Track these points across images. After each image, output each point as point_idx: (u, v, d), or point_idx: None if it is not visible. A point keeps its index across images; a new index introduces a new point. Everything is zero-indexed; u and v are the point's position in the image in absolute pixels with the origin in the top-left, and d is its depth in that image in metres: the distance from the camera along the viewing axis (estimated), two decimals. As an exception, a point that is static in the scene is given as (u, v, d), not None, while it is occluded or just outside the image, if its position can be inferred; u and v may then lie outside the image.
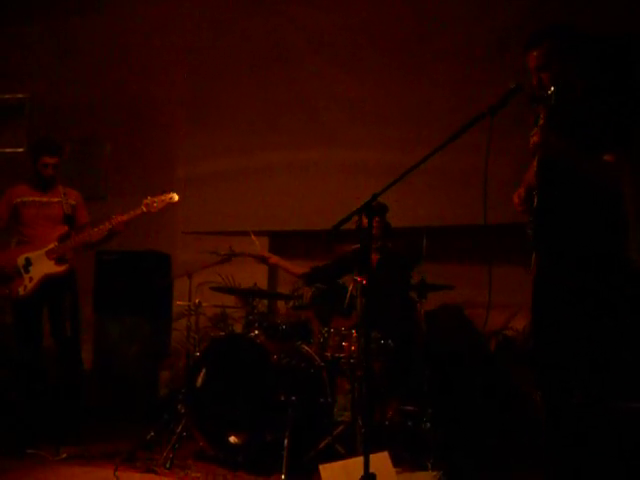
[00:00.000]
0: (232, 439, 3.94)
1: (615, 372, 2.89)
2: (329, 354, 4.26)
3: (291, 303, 5.46)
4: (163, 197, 4.42)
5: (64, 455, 4.08)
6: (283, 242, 6.42)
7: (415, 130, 5.44)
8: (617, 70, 4.65)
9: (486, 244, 3.27)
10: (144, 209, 4.40)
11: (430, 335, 4.38)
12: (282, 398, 3.86)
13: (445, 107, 5.34)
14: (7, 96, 7.07)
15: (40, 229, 4.50)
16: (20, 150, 6.94)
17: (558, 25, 3.08)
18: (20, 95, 7.07)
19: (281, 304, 6.16)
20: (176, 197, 4.46)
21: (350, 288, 4.36)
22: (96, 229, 4.44)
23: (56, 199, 4.59)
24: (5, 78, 7.01)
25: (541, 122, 2.91)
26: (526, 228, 3.08)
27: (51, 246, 4.44)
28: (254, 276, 5.68)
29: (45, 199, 4.57)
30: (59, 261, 4.45)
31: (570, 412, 2.90)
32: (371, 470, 2.76)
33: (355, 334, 4.14)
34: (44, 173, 4.55)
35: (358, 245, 4.52)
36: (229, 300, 5.73)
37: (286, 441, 3.74)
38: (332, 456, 3.67)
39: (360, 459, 2.82)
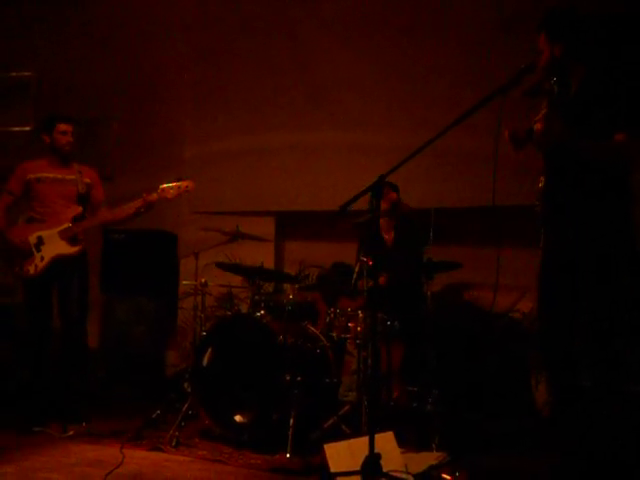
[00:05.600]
0: (238, 418, 3.96)
1: (623, 354, 2.88)
2: (335, 335, 4.27)
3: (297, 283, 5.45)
4: (179, 185, 4.30)
5: (71, 433, 4.10)
6: (290, 222, 6.41)
7: (423, 111, 5.40)
8: (625, 49, 4.60)
9: (494, 226, 3.24)
10: (157, 196, 4.28)
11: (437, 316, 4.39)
12: (288, 378, 3.88)
13: (454, 88, 5.29)
14: (13, 74, 7.04)
15: (54, 207, 4.43)
16: (26, 129, 6.91)
17: (557, 10, 3.07)
18: (26, 73, 7.03)
19: (287, 284, 6.16)
20: (192, 185, 4.33)
21: (356, 269, 4.36)
22: (124, 207, 4.36)
23: (71, 177, 4.51)
24: (11, 56, 6.97)
25: (544, 110, 2.89)
26: (535, 206, 3.07)
27: (65, 226, 4.38)
28: (261, 256, 5.68)
29: (60, 176, 4.49)
30: (72, 241, 4.40)
31: (578, 394, 2.90)
32: (376, 450, 2.77)
33: (361, 315, 4.15)
34: (63, 142, 4.47)
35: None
36: (235, 280, 5.74)
37: (292, 420, 3.77)
38: (337, 436, 3.70)
39: (365, 439, 2.83)
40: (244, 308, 5.66)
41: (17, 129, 6.97)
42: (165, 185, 4.32)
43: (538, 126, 2.89)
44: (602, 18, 4.62)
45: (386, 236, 4.85)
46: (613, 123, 2.84)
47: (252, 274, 4.72)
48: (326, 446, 3.28)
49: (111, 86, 6.69)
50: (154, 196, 4.31)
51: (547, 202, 3.01)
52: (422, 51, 5.65)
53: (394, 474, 3.01)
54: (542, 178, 3.02)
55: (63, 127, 4.48)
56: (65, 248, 4.38)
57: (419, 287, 4.64)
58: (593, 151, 2.88)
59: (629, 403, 3.01)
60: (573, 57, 2.98)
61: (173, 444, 3.86)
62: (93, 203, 4.61)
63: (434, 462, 3.44)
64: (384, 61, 5.79)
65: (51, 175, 4.49)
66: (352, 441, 3.31)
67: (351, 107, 5.87)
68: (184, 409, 4.10)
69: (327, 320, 4.34)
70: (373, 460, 2.77)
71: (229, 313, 5.47)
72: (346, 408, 4.08)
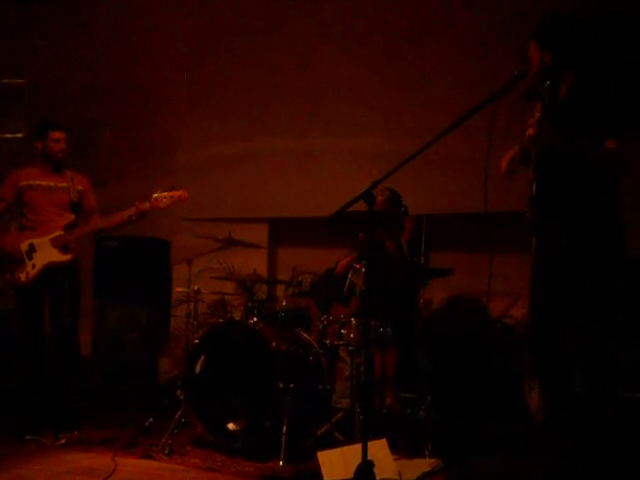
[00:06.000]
0: (231, 425, 3.94)
1: (617, 357, 2.89)
2: (328, 341, 4.26)
3: (290, 290, 5.45)
4: (172, 194, 4.29)
5: (63, 441, 4.08)
6: (283, 229, 6.41)
7: (418, 117, 5.42)
8: (618, 53, 4.63)
9: (486, 232, 3.26)
10: (149, 205, 4.27)
11: (432, 322, 4.39)
12: (281, 385, 3.86)
13: (452, 94, 5.31)
14: (6, 81, 7.03)
15: (46, 214, 4.42)
16: (19, 135, 6.90)
17: (547, 18, 3.09)
18: (19, 80, 7.03)
19: (280, 291, 6.16)
20: (185, 195, 4.31)
21: (349, 275, 4.35)
22: (116, 214, 4.36)
23: (63, 184, 4.50)
24: (4, 63, 6.96)
25: (537, 115, 2.90)
26: (525, 213, 3.07)
27: (56, 234, 4.36)
28: (254, 263, 5.68)
29: (52, 184, 4.48)
30: (63, 249, 4.38)
31: (570, 399, 2.91)
32: (369, 457, 2.76)
33: (354, 322, 4.14)
34: (56, 149, 4.45)
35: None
36: (228, 287, 5.74)
37: (284, 428, 3.75)
38: (330, 443, 3.69)
39: (358, 446, 2.83)
40: (237, 315, 5.66)
41: (9, 136, 6.95)
42: (158, 194, 4.30)
43: (530, 131, 2.90)
44: (598, 20, 4.65)
45: (388, 244, 4.82)
46: (602, 129, 2.86)
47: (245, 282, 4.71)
48: (319, 453, 3.27)
49: (104, 92, 6.69)
50: (147, 205, 4.30)
51: (538, 207, 3.01)
52: (421, 56, 5.67)
53: (387, 481, 3.01)
54: (533, 184, 3.03)
55: (56, 135, 4.47)
56: (57, 256, 4.37)
57: (413, 293, 4.63)
58: (584, 156, 2.89)
59: (623, 406, 3.01)
60: (563, 63, 3.00)
61: (166, 452, 3.84)
62: (85, 210, 4.60)
63: (427, 469, 3.43)
64: (382, 66, 5.81)
65: (43, 183, 4.48)
66: (345, 448, 3.31)
67: (347, 113, 5.88)
68: (177, 417, 4.08)
69: (320, 327, 4.33)
70: (366, 467, 2.76)
71: (222, 320, 5.46)
72: (339, 415, 4.07)
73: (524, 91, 3.02)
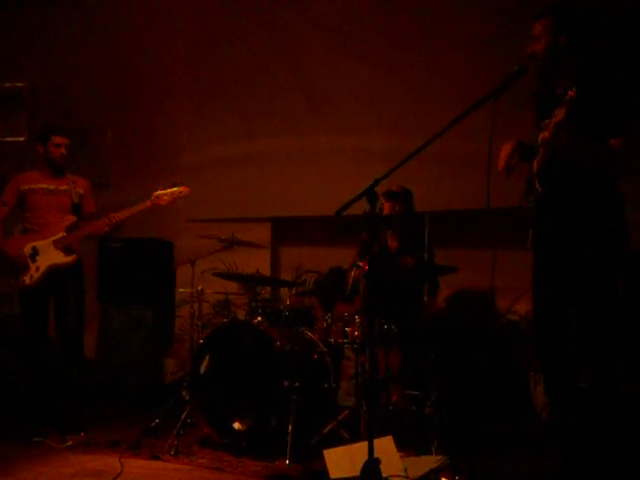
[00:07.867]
0: (236, 425, 3.95)
1: (619, 354, 2.89)
2: (332, 340, 4.26)
3: (294, 289, 5.44)
4: (173, 190, 4.35)
5: (70, 443, 4.09)
6: (286, 229, 6.41)
7: (420, 115, 5.40)
8: (624, 49, 4.61)
9: (490, 228, 3.25)
10: (150, 203, 4.33)
11: (436, 318, 4.38)
12: (286, 384, 3.87)
13: (454, 92, 5.29)
14: (7, 84, 7.03)
15: (48, 217, 4.45)
16: (21, 139, 6.90)
17: (561, 1, 3.04)
18: (20, 84, 7.02)
19: (284, 290, 6.16)
20: (186, 190, 4.38)
21: (352, 274, 4.35)
22: (97, 222, 4.41)
23: (64, 187, 4.53)
24: (4, 66, 6.96)
25: (555, 119, 2.83)
26: (523, 205, 3.06)
27: (59, 236, 4.39)
28: (257, 263, 5.69)
29: (53, 187, 4.50)
30: (66, 251, 4.41)
31: (575, 395, 2.91)
32: (375, 455, 2.76)
33: (358, 319, 4.14)
34: (57, 154, 4.47)
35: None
36: (232, 287, 5.74)
37: (290, 427, 3.76)
38: (336, 441, 3.69)
39: (364, 444, 2.83)
40: (241, 315, 5.66)
41: (11, 139, 6.95)
42: (159, 192, 4.36)
43: (546, 134, 2.86)
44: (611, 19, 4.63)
45: (390, 243, 4.82)
46: (607, 128, 2.84)
47: (249, 281, 4.71)
48: (325, 452, 3.27)
49: (106, 94, 6.68)
50: (147, 203, 4.34)
51: (540, 205, 3.01)
52: (421, 55, 5.65)
53: (394, 479, 3.00)
54: (536, 181, 3.02)
55: (58, 140, 4.49)
56: (60, 257, 4.39)
57: (419, 291, 4.61)
58: (592, 156, 2.87)
59: (627, 403, 3.01)
60: (573, 52, 2.94)
61: (172, 453, 3.85)
62: (84, 214, 4.62)
63: (434, 466, 3.43)
64: (384, 65, 5.79)
65: (44, 186, 4.50)
66: (351, 446, 3.31)
67: (348, 112, 5.87)
68: (183, 417, 4.09)
69: (324, 325, 4.33)
70: (372, 465, 2.76)
71: (226, 320, 5.46)
72: (345, 413, 4.07)
73: (534, 90, 3.00)
